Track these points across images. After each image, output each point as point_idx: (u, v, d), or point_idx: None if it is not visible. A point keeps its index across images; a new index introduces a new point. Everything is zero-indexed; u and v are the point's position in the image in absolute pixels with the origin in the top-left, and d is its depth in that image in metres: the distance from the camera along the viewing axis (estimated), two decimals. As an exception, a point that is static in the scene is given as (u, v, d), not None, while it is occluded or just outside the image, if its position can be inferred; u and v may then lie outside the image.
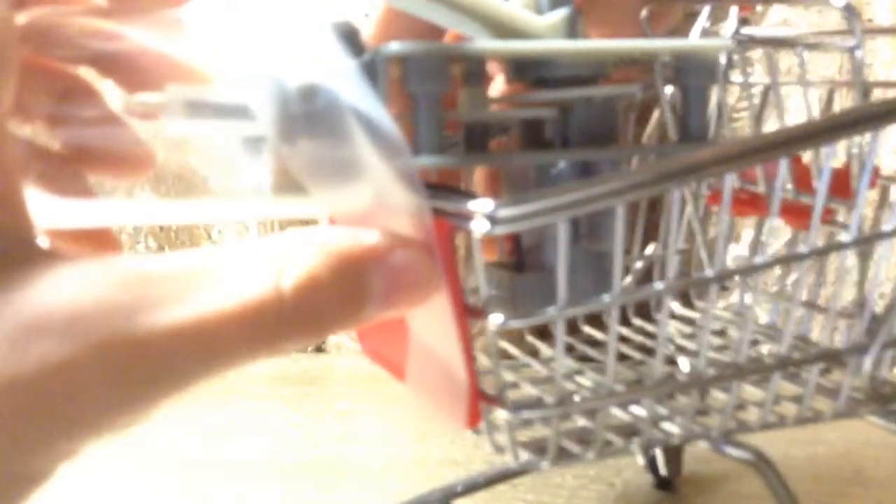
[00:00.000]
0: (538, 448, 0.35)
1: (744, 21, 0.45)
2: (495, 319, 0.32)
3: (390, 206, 0.28)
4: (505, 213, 0.30)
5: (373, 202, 0.29)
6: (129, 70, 0.32)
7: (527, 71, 0.35)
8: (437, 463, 0.55)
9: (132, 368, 0.22)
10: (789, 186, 0.41)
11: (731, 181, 0.36)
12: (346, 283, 0.24)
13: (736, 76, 0.46)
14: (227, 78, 0.30)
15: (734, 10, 0.45)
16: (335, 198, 0.29)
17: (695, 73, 0.35)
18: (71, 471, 0.57)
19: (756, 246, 0.48)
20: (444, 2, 0.34)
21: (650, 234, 0.47)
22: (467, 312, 0.31)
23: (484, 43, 0.34)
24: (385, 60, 0.32)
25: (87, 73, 0.33)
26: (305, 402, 0.63)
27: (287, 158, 0.28)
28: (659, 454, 0.51)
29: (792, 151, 0.34)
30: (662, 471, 0.51)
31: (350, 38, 0.33)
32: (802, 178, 0.41)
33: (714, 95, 0.46)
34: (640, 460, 0.52)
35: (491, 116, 0.36)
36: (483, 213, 0.30)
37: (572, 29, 0.35)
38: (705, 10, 0.46)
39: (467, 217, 0.30)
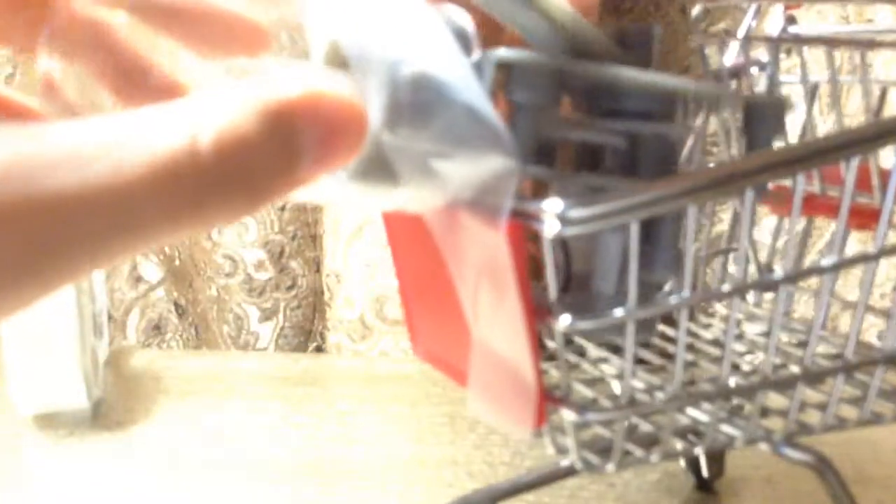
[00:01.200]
0: (601, 451, 0.35)
1: (790, 20, 0.45)
2: (564, 320, 0.31)
3: (471, 207, 0.29)
4: (577, 213, 0.30)
5: (455, 202, 0.29)
6: (185, 23, 0.30)
7: (601, 99, 0.34)
8: (437, 463, 0.55)
9: (35, 238, 0.20)
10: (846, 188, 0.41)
11: (801, 181, 0.36)
12: (275, 135, 0.21)
13: (785, 76, 0.45)
14: (340, 57, 0.29)
15: (780, 8, 0.45)
16: (420, 191, 0.29)
17: (762, 125, 0.35)
18: (70, 470, 0.57)
19: (803, 247, 0.48)
20: (538, 9, 0.33)
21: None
22: (536, 313, 0.31)
23: (591, 66, 0.33)
24: (492, 65, 0.31)
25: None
26: (305, 403, 0.63)
27: (384, 146, 0.28)
28: (702, 455, 0.50)
29: (867, 151, 0.34)
30: (704, 472, 0.51)
31: (461, 38, 0.32)
32: (861, 179, 0.41)
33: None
34: (682, 462, 0.51)
35: (565, 135, 0.35)
36: (555, 214, 0.29)
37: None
38: (751, 9, 0.45)
39: (538, 217, 0.30)
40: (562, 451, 0.35)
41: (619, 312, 0.32)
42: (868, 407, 0.38)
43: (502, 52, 0.31)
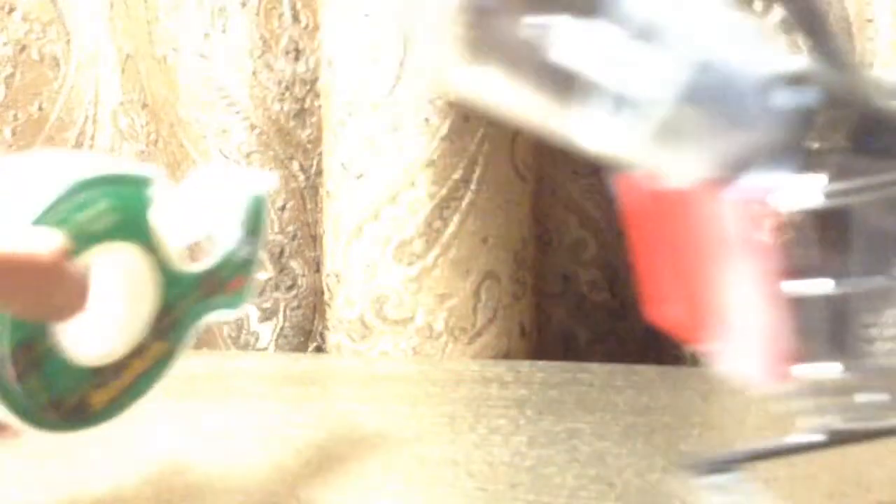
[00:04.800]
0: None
1: None
2: (825, 285, 0.33)
3: (720, 180, 0.33)
4: (830, 187, 0.32)
5: (712, 175, 0.33)
6: None
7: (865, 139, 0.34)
8: (437, 463, 0.55)
9: None
10: None
11: None
12: None
13: None
14: (651, 26, 0.33)
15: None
16: (692, 160, 0.34)
17: None
18: (69, 470, 0.57)
19: None
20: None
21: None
22: (782, 274, 0.33)
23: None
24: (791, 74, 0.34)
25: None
26: (305, 402, 0.63)
27: (673, 117, 0.32)
28: None
29: None
30: None
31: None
32: None
33: None
34: None
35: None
36: (807, 187, 0.32)
37: None
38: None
39: (784, 191, 0.32)
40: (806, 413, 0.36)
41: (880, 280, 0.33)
42: None
43: (804, 64, 0.34)
